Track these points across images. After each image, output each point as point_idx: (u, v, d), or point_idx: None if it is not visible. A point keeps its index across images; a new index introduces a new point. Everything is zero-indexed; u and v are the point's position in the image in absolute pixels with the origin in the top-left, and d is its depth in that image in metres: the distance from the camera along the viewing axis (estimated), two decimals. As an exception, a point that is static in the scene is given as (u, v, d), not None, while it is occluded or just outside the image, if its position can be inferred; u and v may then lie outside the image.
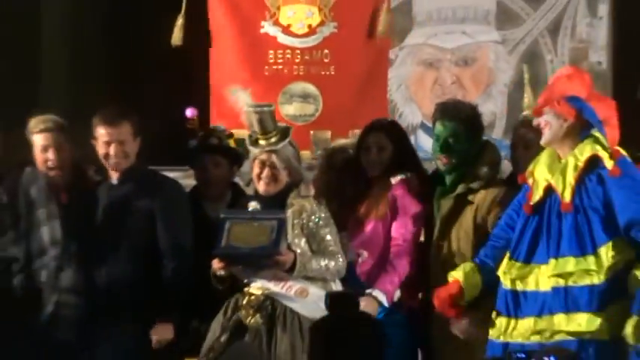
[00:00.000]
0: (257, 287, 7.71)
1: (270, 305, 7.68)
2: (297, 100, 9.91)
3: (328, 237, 7.83)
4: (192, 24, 10.08)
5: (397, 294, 7.96)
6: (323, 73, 9.92)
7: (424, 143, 10.14)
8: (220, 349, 7.53)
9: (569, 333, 6.77)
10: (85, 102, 9.99)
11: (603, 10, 9.42)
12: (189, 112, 9.32)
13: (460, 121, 7.85)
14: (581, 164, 6.87)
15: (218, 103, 9.88)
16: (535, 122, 7.07)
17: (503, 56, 9.44)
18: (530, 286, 6.99)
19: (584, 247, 6.84)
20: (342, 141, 9.04)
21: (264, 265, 7.72)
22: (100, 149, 8.24)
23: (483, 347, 7.38)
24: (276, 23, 10.01)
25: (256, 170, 7.92)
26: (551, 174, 6.96)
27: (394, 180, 8.09)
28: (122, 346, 8.03)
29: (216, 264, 7.71)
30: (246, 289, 7.74)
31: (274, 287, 7.70)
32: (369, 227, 8.13)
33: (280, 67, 10.00)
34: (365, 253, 8.17)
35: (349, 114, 9.75)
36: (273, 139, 7.96)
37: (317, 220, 7.85)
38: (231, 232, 7.75)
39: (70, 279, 8.31)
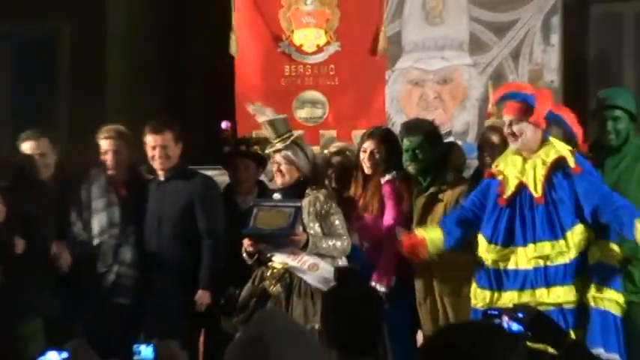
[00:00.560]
0: (278, 261, 7.84)
1: (288, 277, 7.81)
2: (307, 106, 9.84)
3: (337, 222, 7.90)
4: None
5: (392, 280, 7.97)
6: (329, 83, 9.83)
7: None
8: (250, 311, 7.67)
9: (550, 304, 6.91)
10: (141, 114, 10.08)
11: (555, 39, 9.50)
12: (224, 125, 9.34)
13: (422, 135, 7.87)
14: (548, 164, 7.00)
15: (241, 110, 9.74)
16: (508, 130, 7.10)
17: (475, 76, 9.47)
18: (511, 265, 7.11)
19: (555, 232, 6.98)
20: (339, 144, 9.06)
21: (283, 243, 7.84)
22: (148, 152, 8.42)
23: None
24: (291, 43, 9.93)
25: (274, 168, 8.10)
26: (521, 173, 7.07)
27: (383, 180, 8.10)
28: (171, 308, 8.14)
29: (246, 242, 7.85)
30: (269, 263, 7.85)
31: (291, 261, 7.81)
32: (366, 221, 8.15)
33: (294, 78, 9.91)
34: (364, 244, 8.24)
35: (351, 117, 9.74)
36: (277, 144, 8.09)
37: (328, 208, 7.91)
38: (257, 216, 7.88)
39: (128, 254, 8.43)
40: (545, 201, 7.03)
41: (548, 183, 7.04)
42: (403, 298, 8.04)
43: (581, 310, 6.98)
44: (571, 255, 7.01)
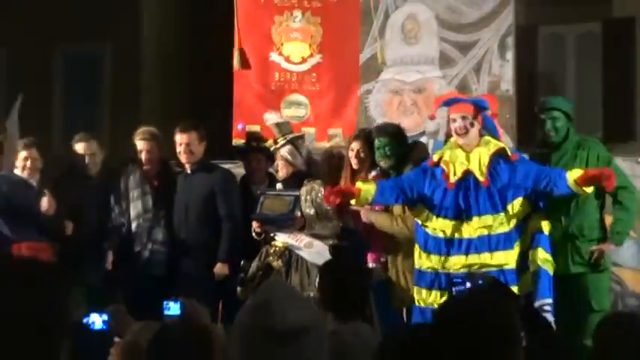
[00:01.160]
0: (279, 240, 7.94)
1: (287, 253, 7.89)
2: (293, 106, 9.74)
3: (328, 208, 7.87)
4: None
5: (383, 258, 7.89)
6: (311, 88, 9.73)
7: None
8: (257, 281, 7.75)
9: (493, 265, 7.05)
10: (170, 117, 10.06)
11: (509, 55, 9.49)
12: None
13: (389, 136, 7.83)
14: (490, 154, 7.17)
15: (239, 106, 9.80)
16: (460, 125, 7.22)
17: (444, 87, 9.45)
18: (459, 234, 7.19)
19: (497, 207, 7.10)
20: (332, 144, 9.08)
21: (284, 225, 7.95)
22: (177, 149, 8.43)
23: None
24: (280, 54, 9.84)
25: (278, 163, 8.27)
26: (468, 162, 7.20)
27: (370, 175, 7.97)
28: (196, 278, 8.17)
29: (254, 225, 7.96)
30: (273, 242, 7.95)
31: (290, 240, 7.90)
32: (355, 211, 7.94)
33: (282, 83, 9.82)
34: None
35: (328, 117, 9.67)
36: (279, 143, 8.26)
37: (321, 196, 7.90)
38: (263, 203, 7.97)
39: (160, 234, 8.43)
40: (488, 183, 7.15)
41: (490, 168, 7.17)
42: None
43: (518, 272, 7.09)
44: (511, 225, 7.14)
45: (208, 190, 8.40)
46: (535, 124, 7.64)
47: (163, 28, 14.77)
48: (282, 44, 9.84)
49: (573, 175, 6.93)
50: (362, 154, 8.04)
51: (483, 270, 7.01)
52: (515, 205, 7.12)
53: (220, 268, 8.19)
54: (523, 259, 7.20)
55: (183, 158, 8.44)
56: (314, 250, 7.80)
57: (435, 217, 7.31)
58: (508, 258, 7.13)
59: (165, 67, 11.02)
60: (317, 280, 6.02)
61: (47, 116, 18.85)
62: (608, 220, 7.62)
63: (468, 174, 7.24)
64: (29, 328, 2.55)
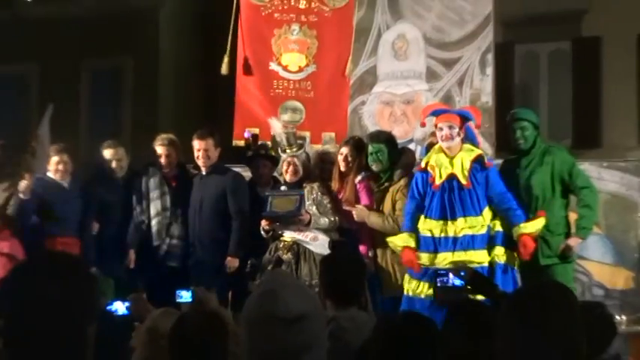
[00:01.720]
0: (288, 236, 7.92)
1: (296, 247, 7.88)
2: (289, 112, 9.66)
3: (328, 205, 7.97)
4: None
5: (370, 253, 7.90)
6: (306, 95, 9.65)
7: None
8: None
9: (476, 262, 7.02)
10: (186, 125, 10.04)
11: (489, 70, 9.43)
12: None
13: (382, 142, 7.86)
14: (471, 160, 7.21)
15: (240, 110, 9.74)
16: (445, 133, 7.28)
17: (430, 99, 9.36)
18: (445, 233, 7.22)
19: (477, 209, 7.16)
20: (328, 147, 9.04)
21: (291, 222, 7.91)
22: (194, 153, 8.41)
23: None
24: (279, 64, 9.75)
25: (284, 167, 8.14)
26: (451, 166, 7.23)
27: (357, 179, 7.99)
28: (209, 270, 8.15)
29: (263, 222, 7.94)
30: (282, 237, 7.94)
31: (297, 236, 7.90)
32: (348, 210, 7.98)
33: (280, 90, 9.72)
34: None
35: (321, 122, 9.61)
36: (294, 149, 8.19)
37: (321, 195, 8.00)
38: (272, 203, 7.93)
39: (177, 230, 8.42)
40: (470, 185, 7.20)
41: (470, 173, 7.22)
42: None
43: (489, 267, 7.11)
44: (485, 227, 7.20)
45: (221, 190, 8.37)
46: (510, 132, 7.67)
47: (179, 45, 14.80)
48: (280, 55, 9.76)
49: (521, 230, 7.13)
50: (349, 159, 8.05)
51: (467, 264, 6.96)
52: (486, 211, 7.23)
53: (231, 261, 8.16)
54: None
55: (200, 162, 8.42)
56: (319, 243, 7.83)
57: (424, 218, 7.34)
58: (484, 256, 7.17)
59: (180, 79, 10.99)
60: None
61: (75, 124, 18.85)
62: (574, 217, 7.64)
63: (452, 177, 7.27)
64: (60, 313, 2.56)
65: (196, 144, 8.38)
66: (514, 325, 2.74)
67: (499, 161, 8.16)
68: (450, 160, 7.27)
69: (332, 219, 7.98)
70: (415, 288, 7.27)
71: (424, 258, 7.29)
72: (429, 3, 9.63)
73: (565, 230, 7.54)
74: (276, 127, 8.76)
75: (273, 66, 9.73)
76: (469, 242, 7.18)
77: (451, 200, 7.24)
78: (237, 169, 8.79)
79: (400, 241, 7.44)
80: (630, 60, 18.15)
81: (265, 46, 9.72)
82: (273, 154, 8.71)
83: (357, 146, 8.06)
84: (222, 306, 5.95)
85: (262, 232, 8.02)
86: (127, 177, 8.66)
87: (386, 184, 7.87)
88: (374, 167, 7.89)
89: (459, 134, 7.30)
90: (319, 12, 9.64)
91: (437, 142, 7.94)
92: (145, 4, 21.09)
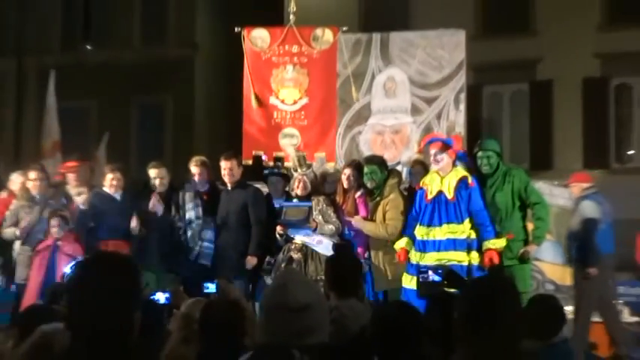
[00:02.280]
0: (298, 239, 7.86)
1: (305, 248, 7.81)
2: (287, 137, 9.41)
3: (332, 214, 7.91)
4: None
5: (366, 255, 7.83)
6: (301, 123, 9.42)
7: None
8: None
9: (455, 260, 7.07)
10: (216, 149, 10.01)
11: (462, 106, 9.37)
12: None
13: (375, 165, 7.83)
14: (457, 180, 7.23)
15: (247, 137, 9.55)
16: (435, 158, 7.34)
17: (414, 130, 9.35)
18: (431, 237, 7.26)
19: (459, 218, 7.18)
20: (328, 168, 8.99)
21: (302, 227, 7.86)
22: (222, 172, 8.33)
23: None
24: (277, 98, 9.51)
25: (296, 184, 8.06)
26: (441, 184, 7.26)
27: (356, 195, 7.96)
28: (234, 267, 8.05)
29: (278, 228, 7.91)
30: (293, 240, 7.87)
31: (306, 239, 7.83)
32: (348, 220, 7.96)
33: (280, 120, 9.49)
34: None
35: (314, 145, 9.34)
36: (304, 169, 8.16)
37: (326, 206, 7.95)
38: (285, 212, 7.91)
39: (207, 235, 8.32)
40: (454, 200, 7.20)
41: (456, 191, 7.21)
42: None
43: (467, 267, 7.11)
44: (465, 234, 7.18)
45: (243, 202, 8.27)
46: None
47: (209, 85, 14.82)
48: (278, 90, 9.56)
49: (488, 245, 7.16)
50: (351, 178, 8.02)
51: (449, 264, 6.96)
52: (466, 221, 7.21)
53: (251, 260, 8.08)
54: None
55: (226, 179, 8.34)
56: (324, 246, 7.74)
57: (418, 225, 7.36)
58: (465, 257, 7.15)
59: (210, 112, 11.04)
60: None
61: (126, 148, 18.90)
62: (531, 226, 7.63)
63: (440, 193, 7.28)
64: (112, 300, 2.56)
65: (223, 164, 8.33)
66: (467, 305, 2.75)
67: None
68: (441, 179, 7.31)
69: (335, 226, 7.91)
70: (409, 281, 7.24)
71: (415, 256, 7.30)
72: (414, 52, 9.62)
73: (524, 237, 7.51)
74: (290, 152, 8.78)
75: (272, 100, 9.53)
76: (451, 244, 7.19)
77: (439, 211, 7.26)
78: (257, 184, 8.74)
79: (400, 243, 7.47)
80: (576, 99, 18.20)
81: (266, 84, 9.55)
82: (286, 172, 8.68)
83: (358, 168, 8.03)
84: (243, 296, 5.93)
85: (277, 236, 7.97)
86: (168, 192, 8.57)
87: (378, 198, 7.83)
88: (368, 185, 7.86)
89: (442, 157, 7.33)
90: (309, 54, 9.45)
91: (416, 167, 8.26)
92: (183, 54, 21.21)
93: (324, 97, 9.44)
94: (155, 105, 21.76)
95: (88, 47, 22.44)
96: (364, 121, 9.66)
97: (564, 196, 10.60)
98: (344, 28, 9.65)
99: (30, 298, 7.81)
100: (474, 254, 7.19)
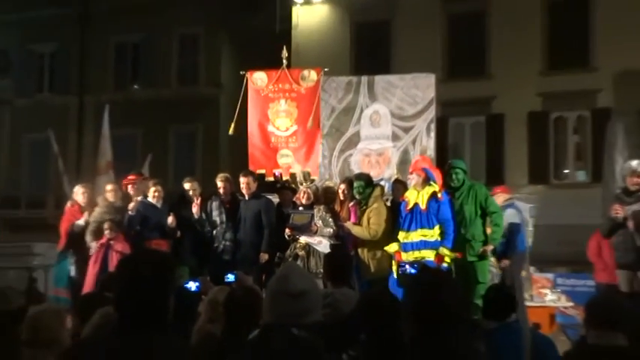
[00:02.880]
0: (303, 240, 7.77)
1: (307, 247, 7.72)
2: (283, 157, 9.35)
3: (330, 220, 7.83)
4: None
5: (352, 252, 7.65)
6: (292, 145, 9.36)
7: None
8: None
9: (426, 257, 7.00)
10: (237, 167, 9.91)
11: (432, 134, 9.24)
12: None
13: (363, 181, 7.79)
14: (429, 194, 7.17)
15: (251, 158, 9.48)
16: (415, 178, 7.30)
17: (395, 153, 9.24)
18: (409, 239, 7.18)
19: (430, 224, 7.10)
20: (328, 183, 8.84)
21: (306, 230, 7.76)
22: (240, 186, 8.26)
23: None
24: (273, 126, 9.45)
25: (301, 195, 8.02)
26: (417, 197, 7.21)
27: (350, 205, 7.92)
28: (249, 261, 7.97)
29: (287, 230, 7.81)
30: (298, 240, 7.79)
31: (309, 239, 7.74)
32: (341, 224, 7.89)
33: (276, 144, 9.43)
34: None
35: (303, 161, 9.24)
36: (308, 183, 8.13)
37: (325, 213, 7.88)
38: (292, 218, 7.84)
39: (229, 236, 8.23)
40: (426, 210, 7.13)
41: (429, 202, 7.14)
42: None
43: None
44: (435, 237, 7.10)
45: (257, 209, 8.20)
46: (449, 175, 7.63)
47: (231, 116, 14.81)
48: (275, 120, 9.52)
49: (441, 251, 7.04)
50: (346, 192, 8.02)
51: (423, 260, 6.95)
52: (436, 227, 7.13)
53: (263, 256, 8.01)
54: None
55: (244, 191, 8.27)
56: (323, 245, 7.65)
57: (399, 230, 7.28)
58: (434, 254, 7.09)
59: (232, 138, 11.03)
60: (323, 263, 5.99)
61: (165, 167, 18.91)
62: (489, 230, 7.57)
63: (416, 205, 7.22)
64: (152, 287, 2.54)
65: (242, 180, 8.28)
66: (417, 294, 2.72)
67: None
68: (418, 194, 7.26)
69: (332, 230, 7.82)
70: (395, 271, 7.22)
71: (401, 254, 7.25)
72: (394, 91, 9.57)
73: (483, 239, 7.44)
74: (297, 169, 8.74)
75: (270, 128, 9.50)
76: (424, 245, 7.12)
77: (415, 219, 7.19)
78: (269, 196, 8.67)
79: (394, 247, 7.36)
80: (523, 129, 18.24)
81: (264, 115, 9.53)
82: (293, 186, 8.62)
83: (351, 184, 8.00)
84: (256, 285, 5.89)
85: (286, 237, 7.89)
86: (202, 202, 8.46)
87: (364, 207, 7.79)
88: (357, 196, 7.83)
89: (413, 176, 7.36)
90: (297, 91, 9.45)
91: (397, 185, 8.20)
92: (210, 92, 21.32)
93: (306, 123, 9.40)
94: (188, 133, 21.83)
95: (135, 87, 22.61)
96: (354, 146, 9.60)
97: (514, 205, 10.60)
98: (325, 69, 9.67)
99: (87, 287, 7.75)
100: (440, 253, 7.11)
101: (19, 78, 23.21)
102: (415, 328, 2.62)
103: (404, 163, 9.01)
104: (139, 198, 8.38)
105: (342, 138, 9.65)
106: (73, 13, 22.76)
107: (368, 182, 7.89)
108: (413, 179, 7.38)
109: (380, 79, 9.77)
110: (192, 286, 5.56)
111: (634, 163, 6.86)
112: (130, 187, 8.66)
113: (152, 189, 8.45)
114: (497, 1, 18.46)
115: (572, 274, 13.24)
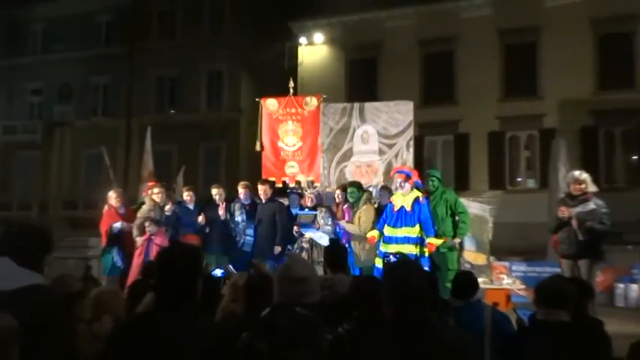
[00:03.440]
0: (307, 235, 7.73)
1: (311, 240, 7.69)
2: (290, 168, 9.28)
3: (329, 219, 7.77)
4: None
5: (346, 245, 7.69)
6: (298, 158, 9.31)
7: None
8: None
9: (408, 251, 6.90)
10: (254, 177, 9.87)
11: (411, 150, 9.13)
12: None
13: (355, 187, 7.74)
14: (412, 199, 7.06)
15: (264, 169, 9.47)
16: (399, 185, 7.14)
17: (381, 165, 9.22)
18: (394, 235, 7.08)
19: (412, 223, 6.99)
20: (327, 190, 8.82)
21: (310, 227, 7.73)
22: (259, 192, 8.18)
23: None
24: (283, 142, 9.39)
25: (306, 199, 8.01)
26: (403, 201, 7.11)
27: (344, 207, 7.85)
28: (265, 253, 7.82)
29: (295, 227, 7.78)
30: (304, 235, 7.74)
31: (312, 235, 7.70)
32: (337, 223, 7.83)
33: (285, 157, 9.36)
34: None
35: (307, 171, 9.17)
36: (312, 189, 8.13)
37: (325, 214, 7.82)
38: (299, 217, 7.81)
39: (249, 231, 8.12)
40: (411, 211, 7.05)
41: (412, 205, 7.06)
42: None
43: (418, 257, 6.93)
44: (415, 234, 7.02)
45: (272, 211, 8.11)
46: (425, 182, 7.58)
47: (250, 135, 14.80)
48: (284, 137, 9.47)
49: (429, 240, 6.95)
50: (341, 196, 7.96)
51: (403, 252, 6.85)
52: (417, 226, 7.05)
53: (276, 248, 7.94)
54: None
55: (261, 196, 8.19)
56: (324, 240, 7.58)
57: (387, 226, 7.17)
58: (415, 249, 7.01)
59: (250, 153, 10.96)
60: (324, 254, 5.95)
61: (195, 176, 18.87)
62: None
63: (402, 206, 7.12)
64: (187, 275, 2.52)
65: (260, 187, 8.23)
66: (392, 279, 2.67)
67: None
68: (403, 198, 7.15)
69: (331, 227, 7.77)
70: (379, 262, 7.12)
71: (383, 246, 7.14)
72: (380, 114, 9.53)
73: (452, 234, 7.37)
74: (302, 178, 8.70)
75: (280, 144, 9.45)
76: (407, 240, 7.03)
77: (400, 218, 7.09)
78: (281, 199, 8.58)
79: (372, 234, 7.29)
80: (484, 146, 18.25)
81: (275, 134, 9.49)
82: (300, 192, 8.57)
83: (344, 189, 7.97)
84: (271, 272, 5.86)
85: (294, 233, 7.85)
86: (226, 205, 8.35)
87: (355, 209, 7.74)
88: (350, 200, 7.79)
89: (405, 183, 7.17)
90: (301, 114, 9.43)
91: (384, 190, 8.01)
92: (232, 116, 21.36)
93: (311, 141, 9.38)
94: (214, 149, 21.87)
95: (172, 112, 22.68)
96: (348, 159, 9.56)
97: (476, 207, 10.59)
98: (324, 96, 9.67)
99: (133, 275, 7.71)
100: (420, 247, 7.04)
101: (79, 104, 23.95)
102: (392, 307, 2.60)
103: (388, 172, 8.94)
104: (170, 205, 8.29)
105: (338, 153, 9.60)
106: (123, 52, 23.04)
107: (359, 188, 7.85)
108: (404, 187, 7.20)
109: (369, 105, 9.74)
110: (218, 272, 5.53)
111: (576, 173, 6.81)
112: (150, 191, 8.52)
113: (185, 194, 8.40)
114: (463, 43, 18.59)
115: (524, 262, 13.22)
